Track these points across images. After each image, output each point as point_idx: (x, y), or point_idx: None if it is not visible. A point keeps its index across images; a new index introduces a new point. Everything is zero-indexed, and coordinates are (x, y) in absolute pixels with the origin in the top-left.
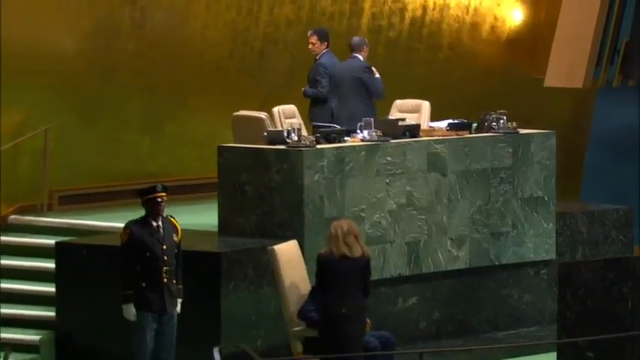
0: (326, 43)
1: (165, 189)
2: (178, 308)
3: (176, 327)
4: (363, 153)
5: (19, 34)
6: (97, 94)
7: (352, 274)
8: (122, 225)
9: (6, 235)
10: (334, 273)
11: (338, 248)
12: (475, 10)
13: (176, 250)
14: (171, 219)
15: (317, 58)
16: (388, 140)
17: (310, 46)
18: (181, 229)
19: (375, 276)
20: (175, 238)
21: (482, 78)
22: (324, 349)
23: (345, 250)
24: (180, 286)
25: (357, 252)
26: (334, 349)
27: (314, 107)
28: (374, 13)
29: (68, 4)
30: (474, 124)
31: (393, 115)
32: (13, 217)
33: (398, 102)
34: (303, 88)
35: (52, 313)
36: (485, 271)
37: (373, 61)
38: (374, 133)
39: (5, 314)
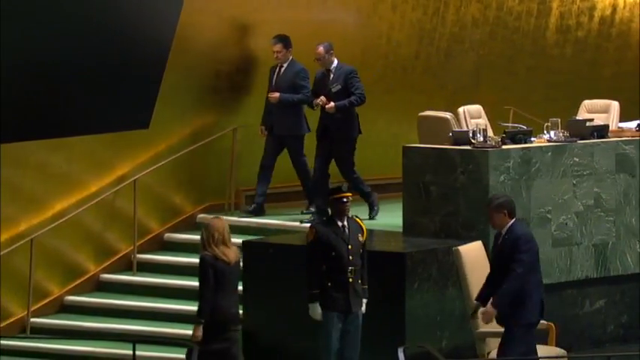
0: (291, 49)
1: (350, 189)
2: (364, 308)
3: (361, 327)
4: (550, 154)
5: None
6: None
7: None
8: (308, 224)
9: (194, 234)
10: None
11: None
12: None
13: (361, 250)
14: (357, 219)
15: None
16: (575, 141)
17: (275, 54)
18: (366, 229)
19: (561, 278)
20: (361, 238)
21: None
22: None
23: None
24: (366, 286)
25: None
26: None
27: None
28: (562, 13)
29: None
30: None
31: (582, 115)
32: (201, 216)
33: (586, 102)
34: (277, 95)
35: (239, 311)
36: None
37: (561, 60)
38: (561, 134)
39: (193, 311)
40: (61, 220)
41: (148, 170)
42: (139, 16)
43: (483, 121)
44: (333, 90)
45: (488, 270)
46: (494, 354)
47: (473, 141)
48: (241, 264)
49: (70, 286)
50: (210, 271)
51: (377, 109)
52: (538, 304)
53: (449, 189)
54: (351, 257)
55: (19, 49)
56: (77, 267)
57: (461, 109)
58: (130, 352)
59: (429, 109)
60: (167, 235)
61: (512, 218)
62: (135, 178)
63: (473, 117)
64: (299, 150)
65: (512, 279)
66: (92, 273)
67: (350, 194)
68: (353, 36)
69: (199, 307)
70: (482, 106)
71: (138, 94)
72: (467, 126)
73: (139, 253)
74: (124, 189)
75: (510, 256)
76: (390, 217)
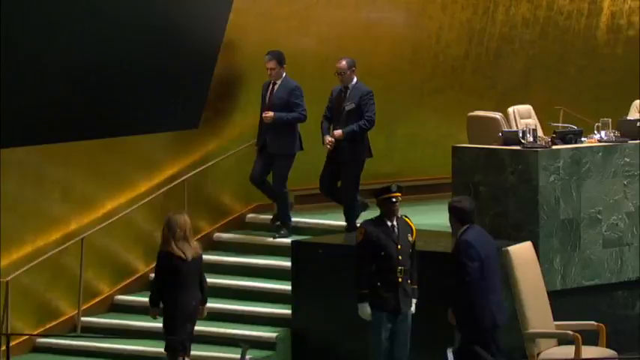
0: (285, 66)
1: (399, 189)
2: (413, 308)
3: (410, 327)
4: (600, 154)
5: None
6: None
7: None
8: (357, 224)
9: (243, 234)
10: None
11: None
12: None
13: (410, 250)
14: (406, 219)
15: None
16: (626, 141)
17: (269, 72)
18: (416, 229)
19: (612, 279)
20: (410, 238)
21: None
22: None
23: None
24: (416, 286)
25: None
26: None
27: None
28: (613, 12)
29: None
30: None
31: (633, 115)
32: (250, 215)
33: (637, 102)
34: (272, 114)
35: (289, 311)
36: None
37: (612, 59)
38: (612, 134)
39: (243, 311)
40: (111, 220)
41: (198, 170)
42: (189, 16)
43: (533, 121)
44: (347, 108)
45: (538, 271)
46: (544, 355)
47: (523, 141)
48: (202, 257)
49: (120, 286)
50: (163, 269)
51: (426, 109)
52: (488, 309)
53: (498, 189)
54: (400, 257)
55: (70, 50)
56: (127, 266)
57: (511, 109)
58: None
59: (479, 109)
60: (216, 234)
61: (465, 224)
62: (184, 177)
63: (523, 117)
64: (285, 169)
65: (463, 290)
66: (142, 272)
67: (399, 194)
68: (402, 36)
69: (149, 300)
70: (532, 106)
71: (188, 95)
72: (516, 126)
73: None
74: (174, 188)
75: (456, 259)
76: (439, 218)
